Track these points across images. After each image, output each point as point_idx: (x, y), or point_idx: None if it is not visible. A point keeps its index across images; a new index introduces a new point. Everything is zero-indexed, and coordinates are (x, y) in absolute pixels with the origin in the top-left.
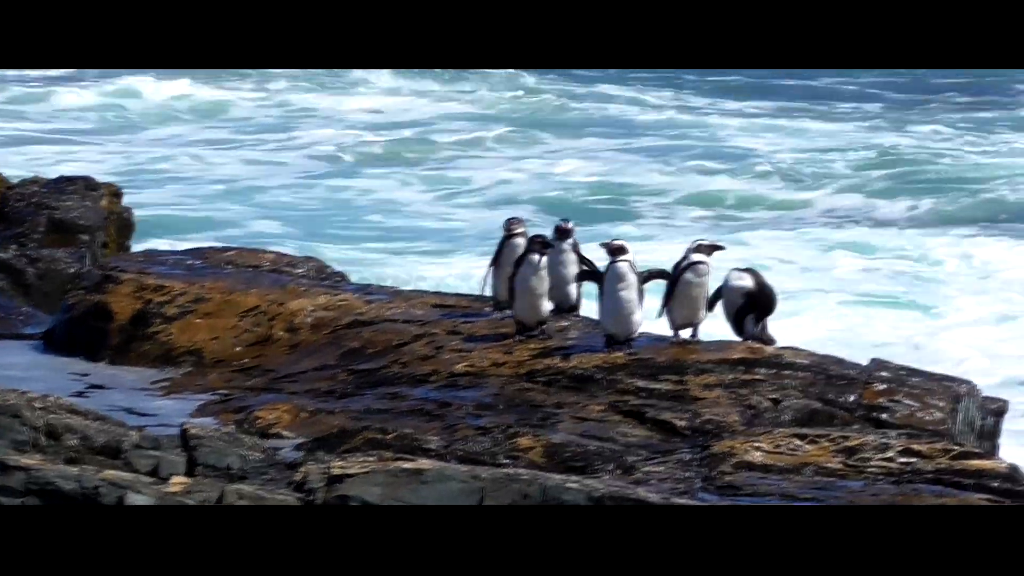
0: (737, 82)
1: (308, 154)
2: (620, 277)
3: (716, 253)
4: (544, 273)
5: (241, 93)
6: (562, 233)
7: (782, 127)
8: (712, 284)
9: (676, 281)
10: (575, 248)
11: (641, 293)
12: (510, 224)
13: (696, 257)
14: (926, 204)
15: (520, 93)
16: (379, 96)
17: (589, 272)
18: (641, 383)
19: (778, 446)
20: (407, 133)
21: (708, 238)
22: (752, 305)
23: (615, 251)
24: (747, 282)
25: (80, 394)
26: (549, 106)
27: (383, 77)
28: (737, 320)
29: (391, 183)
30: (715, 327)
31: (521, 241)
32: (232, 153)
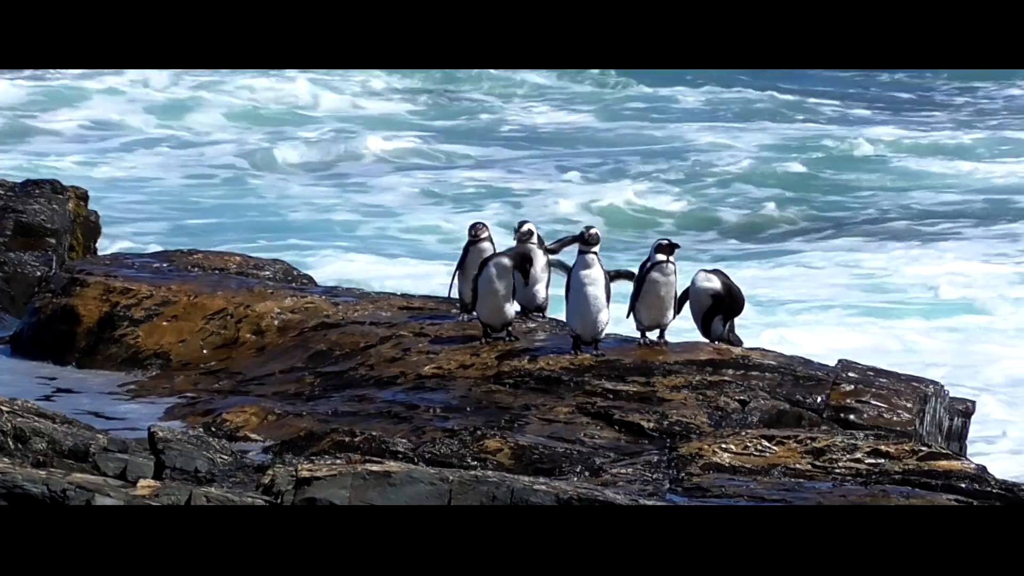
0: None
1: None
2: (586, 264)
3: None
4: (507, 274)
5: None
6: (523, 235)
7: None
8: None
9: (642, 281)
10: (541, 244)
11: (608, 291)
12: (475, 229)
13: (660, 257)
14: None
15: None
16: (273, 91)
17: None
18: (608, 385)
19: (746, 447)
20: (308, 134)
21: (668, 238)
22: (719, 306)
23: (586, 240)
24: (715, 283)
25: (47, 398)
26: (468, 108)
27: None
28: (705, 322)
29: (287, 183)
30: (681, 328)
31: (487, 246)
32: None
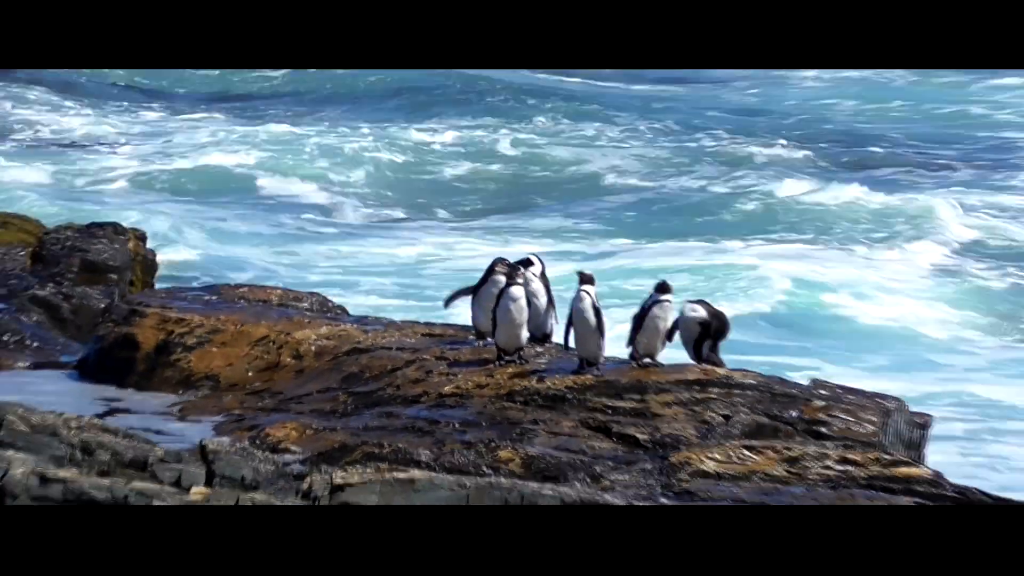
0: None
1: None
2: (579, 300)
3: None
4: (523, 304)
5: None
6: (526, 263)
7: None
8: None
9: (644, 316)
10: (543, 277)
11: (601, 321)
12: (496, 264)
13: (662, 296)
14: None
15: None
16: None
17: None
18: (607, 402)
19: (729, 456)
20: None
21: (666, 279)
22: (707, 332)
23: (583, 279)
24: (701, 312)
25: (110, 415)
26: None
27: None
28: (696, 347)
29: None
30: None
31: (500, 279)
32: None
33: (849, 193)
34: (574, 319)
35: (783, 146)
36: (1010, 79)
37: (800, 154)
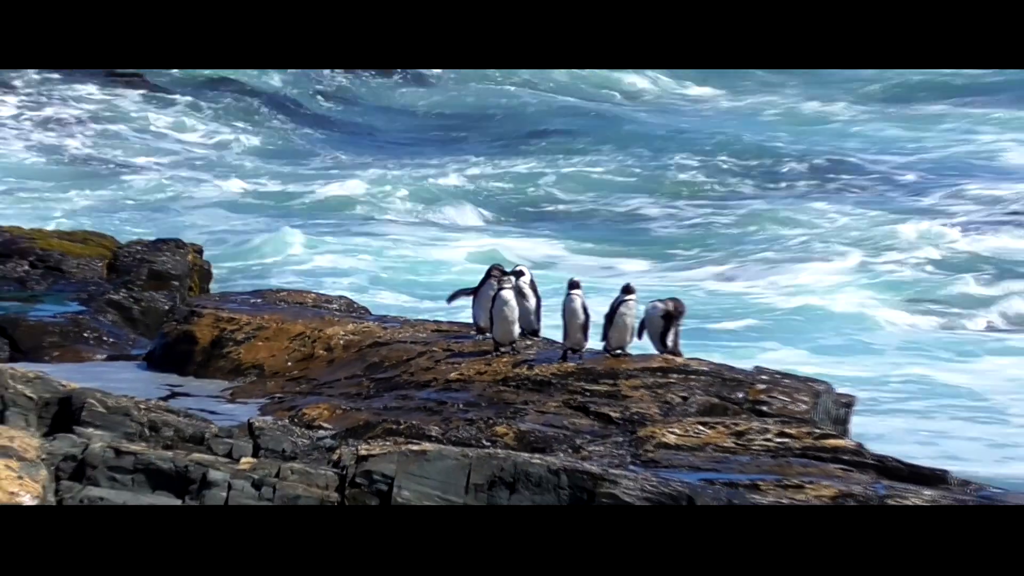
0: None
1: None
2: (571, 300)
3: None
4: (514, 305)
5: None
6: (518, 274)
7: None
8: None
9: (614, 314)
10: (531, 284)
11: (588, 317)
12: (491, 269)
13: (627, 296)
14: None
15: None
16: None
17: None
18: (586, 386)
19: (687, 431)
20: None
21: (629, 282)
22: (670, 320)
23: (572, 285)
24: (661, 307)
25: (173, 398)
26: None
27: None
28: (661, 338)
29: None
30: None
31: (496, 283)
32: None
33: (796, 207)
34: (566, 315)
35: (719, 166)
36: (864, 114)
37: (732, 176)
